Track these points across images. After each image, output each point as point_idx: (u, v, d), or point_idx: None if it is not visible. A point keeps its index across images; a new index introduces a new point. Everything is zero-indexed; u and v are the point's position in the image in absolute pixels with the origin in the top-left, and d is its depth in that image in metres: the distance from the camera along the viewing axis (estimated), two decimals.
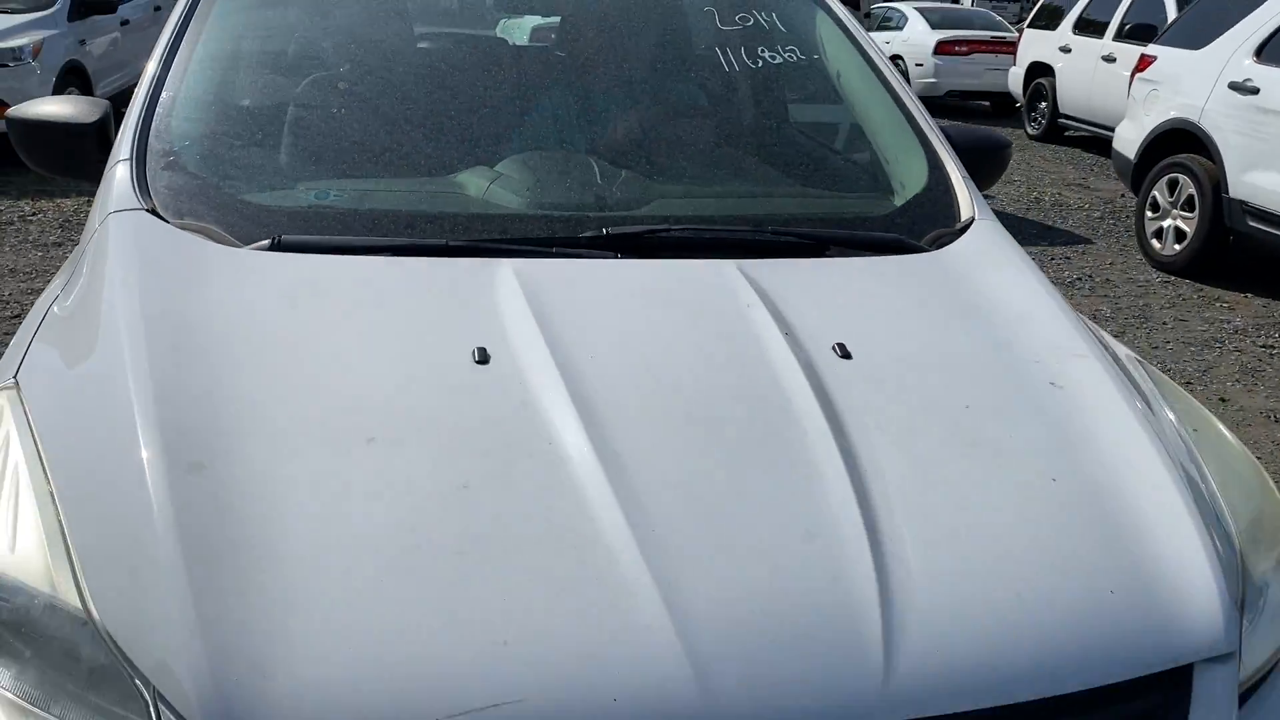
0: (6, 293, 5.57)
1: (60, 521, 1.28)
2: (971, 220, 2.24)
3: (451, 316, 1.68)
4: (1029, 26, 13.81)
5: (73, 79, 8.81)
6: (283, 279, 1.74)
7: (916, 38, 15.55)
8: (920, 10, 16.40)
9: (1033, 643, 1.28)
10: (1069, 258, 7.56)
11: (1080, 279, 7.02)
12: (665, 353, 1.65)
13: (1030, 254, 7.40)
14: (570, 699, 1.13)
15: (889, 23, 16.54)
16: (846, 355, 1.69)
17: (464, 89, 2.33)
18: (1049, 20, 13.30)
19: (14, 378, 1.56)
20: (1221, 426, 1.90)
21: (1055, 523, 1.44)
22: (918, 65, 15.29)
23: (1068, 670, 1.28)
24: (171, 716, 1.12)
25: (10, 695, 1.19)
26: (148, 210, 1.90)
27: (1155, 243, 7.40)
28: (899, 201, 2.33)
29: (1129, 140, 7.79)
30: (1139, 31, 11.09)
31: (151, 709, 1.13)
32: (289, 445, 1.39)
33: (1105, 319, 6.18)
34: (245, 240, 1.83)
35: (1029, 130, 13.44)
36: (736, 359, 1.65)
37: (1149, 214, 7.48)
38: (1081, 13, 12.62)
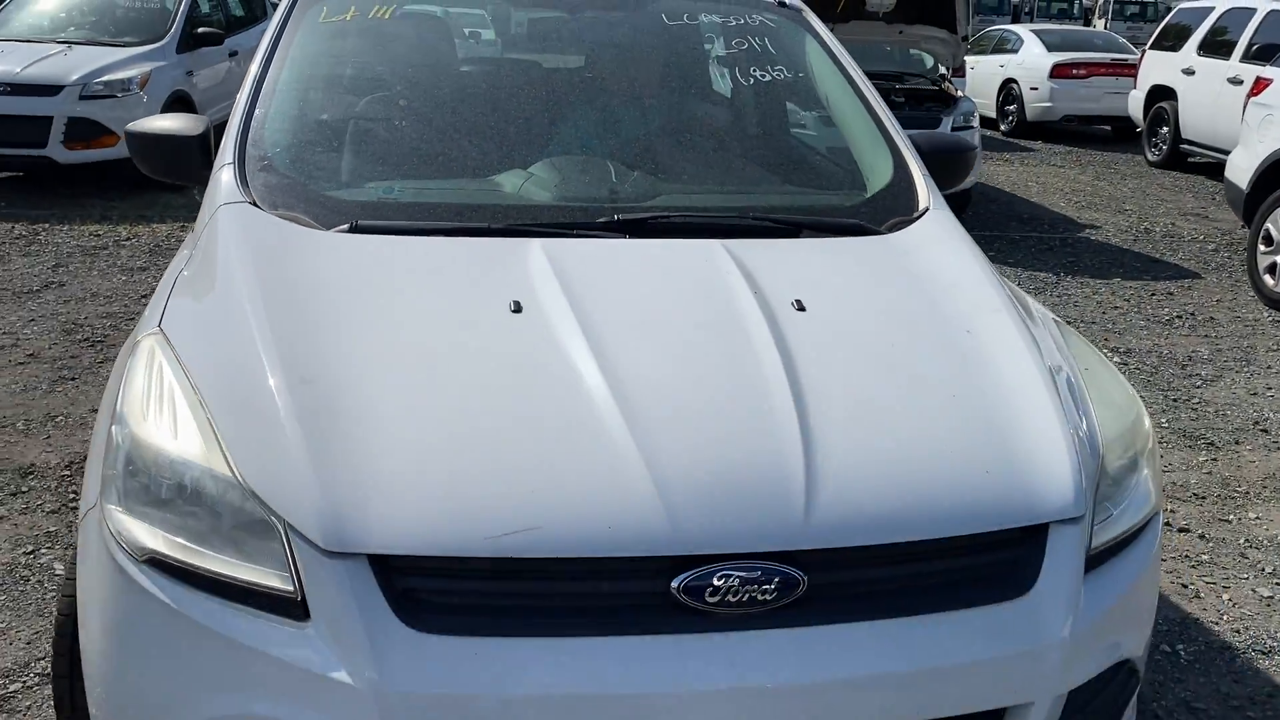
0: (83, 316, 5.75)
1: (209, 420, 1.74)
2: (926, 210, 2.64)
3: (493, 279, 2.11)
4: (1151, 48, 13.16)
5: (178, 109, 9.15)
6: (361, 252, 2.20)
7: (1032, 60, 15.00)
8: (1037, 32, 15.83)
9: (922, 501, 1.72)
10: (1171, 293, 7.10)
11: (1180, 316, 6.57)
12: (656, 303, 2.08)
13: (1128, 290, 6.99)
14: (577, 526, 1.58)
15: (1005, 45, 16.01)
16: (802, 309, 2.11)
17: (502, 106, 2.79)
18: (1175, 40, 12.64)
19: (159, 326, 2.01)
20: (1111, 368, 2.32)
21: (949, 423, 1.87)
22: (1032, 89, 14.74)
23: (948, 521, 1.71)
24: (300, 540, 1.58)
25: (179, 539, 1.65)
26: (250, 202, 2.35)
27: (1268, 279, 6.88)
28: (866, 194, 2.75)
29: (1241, 168, 7.29)
30: (1268, 52, 10.43)
31: (284, 537, 1.59)
32: (374, 365, 1.84)
33: (1202, 360, 5.76)
34: (327, 225, 2.28)
35: (1149, 156, 12.78)
36: (712, 308, 2.08)
37: (1262, 248, 6.97)
38: (1207, 33, 11.97)
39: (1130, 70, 13.96)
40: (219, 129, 2.64)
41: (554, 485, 1.63)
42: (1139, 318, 6.53)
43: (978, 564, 1.77)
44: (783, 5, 3.31)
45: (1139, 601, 1.97)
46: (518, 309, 2.00)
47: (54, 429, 4.28)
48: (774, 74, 3.05)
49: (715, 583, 1.60)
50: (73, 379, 4.84)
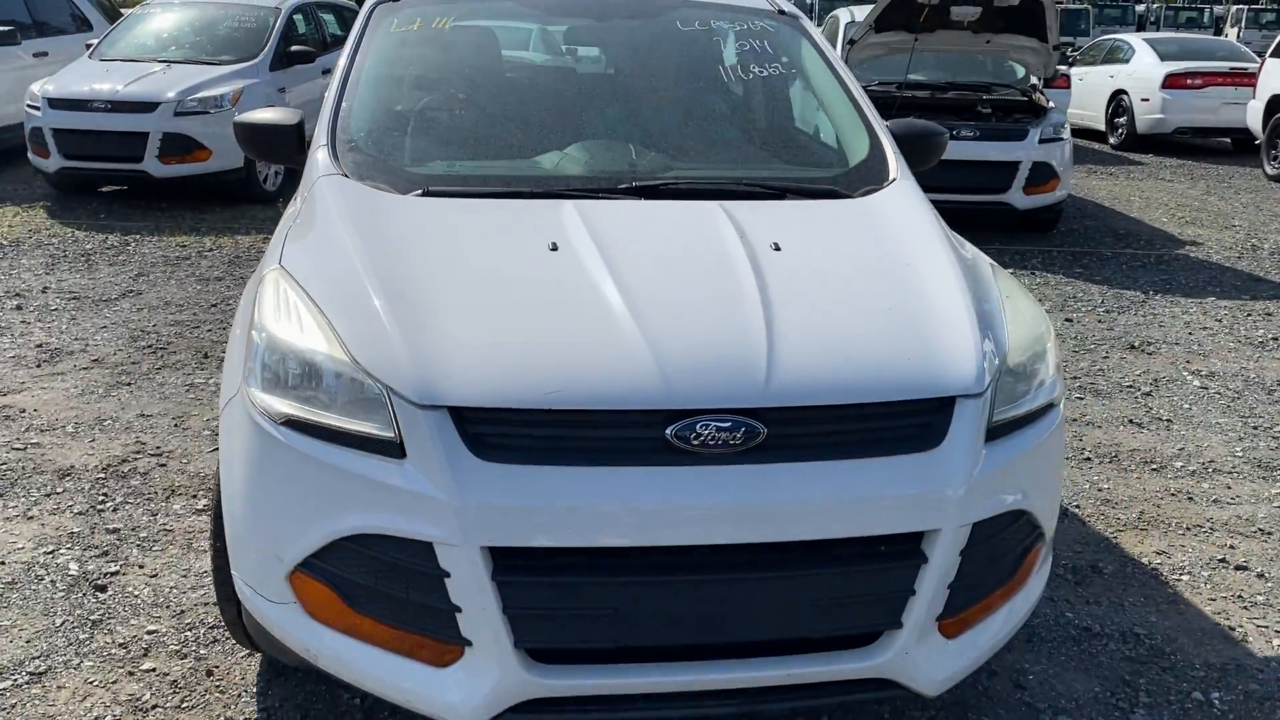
0: (152, 324, 5.94)
1: (328, 323, 2.30)
2: (894, 180, 3.16)
3: (536, 227, 2.67)
4: (1272, 55, 12.47)
5: None
6: (431, 209, 2.79)
7: (1143, 70, 14.39)
8: (1150, 41, 15.18)
9: (854, 375, 2.25)
10: (1270, 314, 6.66)
11: (1276, 338, 6.16)
12: (661, 243, 2.65)
13: (1221, 310, 6.65)
14: (599, 388, 2.14)
15: (1117, 54, 15.39)
16: (778, 249, 2.64)
17: (544, 100, 3.48)
18: None
19: (279, 263, 2.59)
20: (1028, 297, 2.81)
21: (882, 324, 2.42)
22: (1143, 100, 14.13)
23: (873, 390, 2.24)
24: (399, 399, 2.13)
25: (305, 406, 2.23)
26: (342, 174, 2.93)
27: None
28: (844, 169, 3.31)
29: None
30: None
31: (387, 398, 2.15)
32: (446, 283, 2.43)
33: None
34: (404, 191, 2.86)
35: (1268, 170, 12.10)
36: (705, 245, 2.64)
37: None
38: None
39: (1250, 80, 13.27)
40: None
41: (582, 359, 2.19)
42: (1229, 339, 6.14)
43: (899, 424, 2.27)
44: (782, 13, 3.89)
45: (1036, 467, 2.45)
46: (554, 248, 2.57)
47: (99, 432, 4.41)
48: (771, 70, 3.64)
49: (698, 430, 2.14)
50: (128, 384, 4.99)
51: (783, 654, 2.21)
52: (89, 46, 10.19)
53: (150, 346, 5.56)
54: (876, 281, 2.58)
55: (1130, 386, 5.33)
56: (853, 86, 3.54)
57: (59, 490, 3.88)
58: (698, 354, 2.21)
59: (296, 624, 2.27)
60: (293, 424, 2.22)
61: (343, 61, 3.43)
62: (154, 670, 2.86)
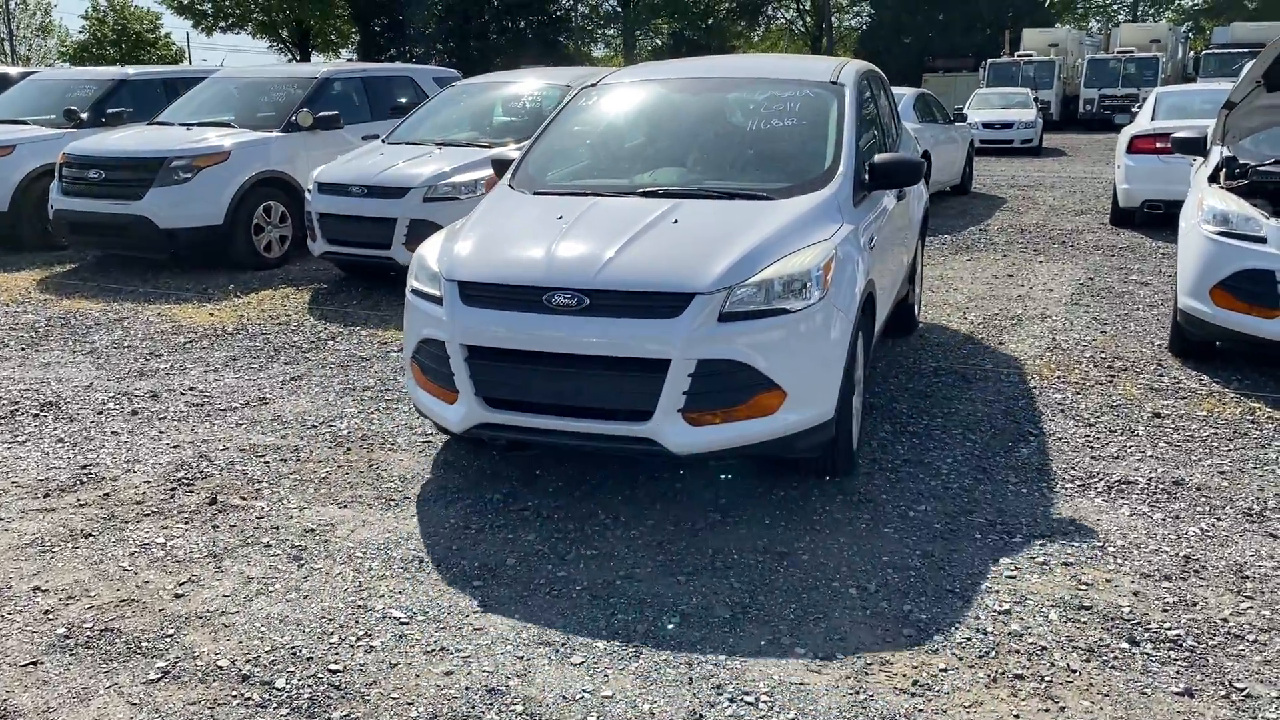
0: (225, 447, 5.16)
1: (439, 248, 4.80)
2: (817, 191, 4.88)
3: (564, 210, 4.82)
4: None
5: None
6: (528, 199, 5.21)
7: None
8: None
9: (644, 277, 4.22)
10: None
11: None
12: (617, 216, 4.70)
13: None
14: (518, 273, 4.41)
15: None
16: (676, 222, 4.58)
17: (631, 145, 5.74)
18: None
19: (448, 224, 5.37)
20: (817, 252, 4.35)
21: (684, 257, 4.29)
22: None
23: (651, 284, 4.19)
24: (443, 278, 4.54)
25: (420, 284, 4.70)
26: (509, 185, 5.44)
27: None
28: (792, 183, 5.01)
29: None
30: None
31: (440, 279, 4.56)
32: (491, 229, 4.87)
33: None
34: (529, 192, 5.29)
35: None
36: (635, 219, 4.60)
37: None
38: None
39: None
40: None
41: (517, 262, 4.43)
42: None
43: (662, 303, 4.12)
44: (833, 83, 5.61)
45: (761, 342, 4.11)
46: (560, 218, 4.71)
47: None
48: (786, 122, 5.47)
49: (554, 298, 4.19)
50: (89, 536, 4.16)
51: (603, 419, 4.21)
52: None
53: (182, 480, 4.75)
54: (712, 240, 4.38)
55: None
56: (847, 130, 5.19)
57: None
58: (567, 261, 4.33)
59: (414, 387, 4.70)
60: (414, 291, 4.64)
61: (544, 123, 5.93)
62: None
